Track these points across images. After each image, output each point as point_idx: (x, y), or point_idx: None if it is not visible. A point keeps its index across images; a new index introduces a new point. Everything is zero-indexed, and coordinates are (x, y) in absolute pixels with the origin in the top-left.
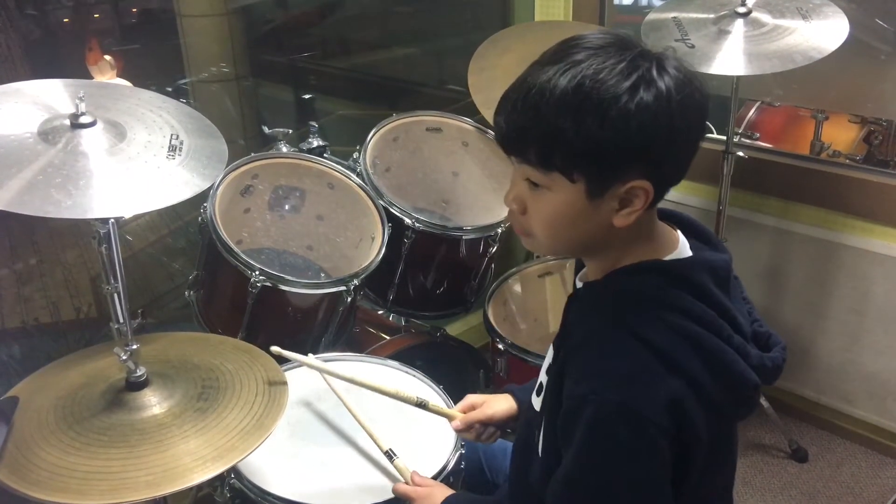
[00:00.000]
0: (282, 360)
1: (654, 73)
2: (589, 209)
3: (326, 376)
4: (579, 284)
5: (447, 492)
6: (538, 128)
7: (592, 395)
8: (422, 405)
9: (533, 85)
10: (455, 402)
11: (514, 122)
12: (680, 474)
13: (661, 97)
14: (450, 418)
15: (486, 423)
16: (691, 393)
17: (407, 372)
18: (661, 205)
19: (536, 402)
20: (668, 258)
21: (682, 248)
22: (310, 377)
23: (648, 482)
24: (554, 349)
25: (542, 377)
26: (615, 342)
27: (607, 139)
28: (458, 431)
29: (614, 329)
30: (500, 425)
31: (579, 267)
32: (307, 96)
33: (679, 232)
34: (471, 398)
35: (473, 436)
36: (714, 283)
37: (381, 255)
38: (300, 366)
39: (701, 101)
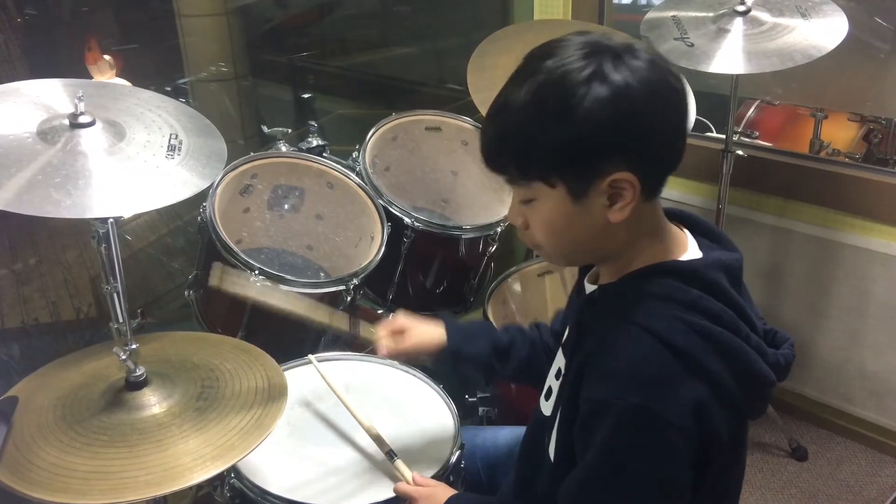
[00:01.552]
0: (281, 360)
1: (609, 67)
2: (579, 211)
3: (326, 376)
4: (590, 287)
5: (449, 492)
6: (510, 144)
7: (615, 399)
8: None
9: (501, 104)
10: (454, 402)
11: (489, 144)
12: (700, 474)
13: (619, 89)
14: (373, 341)
15: (410, 353)
16: (713, 394)
17: (406, 371)
18: (665, 205)
19: (546, 407)
20: (682, 258)
21: (693, 248)
22: (310, 377)
23: (669, 485)
24: (565, 353)
25: (551, 381)
26: (636, 345)
27: (572, 139)
28: (384, 356)
29: (634, 331)
30: (424, 354)
31: (584, 269)
32: (306, 96)
33: (687, 231)
34: (399, 321)
35: (401, 361)
36: (728, 282)
37: (380, 255)
38: (300, 366)
39: (671, 88)
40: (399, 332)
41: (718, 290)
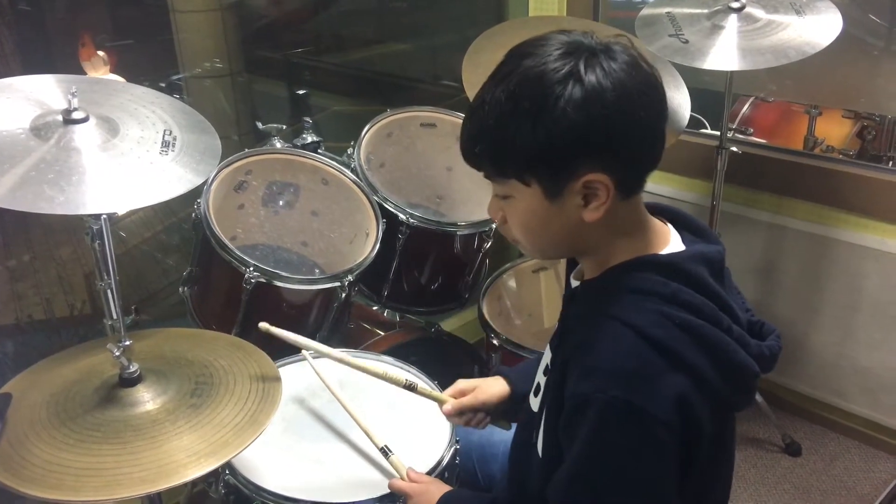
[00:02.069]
0: (276, 356)
1: (582, 68)
2: (553, 209)
3: (320, 372)
4: (574, 283)
5: (444, 488)
6: (486, 141)
7: (598, 394)
8: (410, 388)
9: (479, 102)
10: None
11: (467, 140)
12: (685, 468)
13: (592, 91)
14: (440, 402)
15: (477, 409)
16: (695, 387)
17: (402, 368)
18: (654, 199)
19: (534, 403)
20: (663, 252)
21: (675, 241)
22: (304, 373)
23: (655, 479)
24: (552, 350)
25: (540, 378)
26: (618, 339)
27: (545, 140)
28: (449, 416)
29: (614, 326)
30: (491, 410)
31: (571, 265)
32: (301, 92)
33: (670, 226)
34: (461, 383)
35: (464, 421)
36: (710, 274)
37: (375, 251)
38: (295, 362)
39: (647, 89)
40: (462, 394)
41: (699, 283)
